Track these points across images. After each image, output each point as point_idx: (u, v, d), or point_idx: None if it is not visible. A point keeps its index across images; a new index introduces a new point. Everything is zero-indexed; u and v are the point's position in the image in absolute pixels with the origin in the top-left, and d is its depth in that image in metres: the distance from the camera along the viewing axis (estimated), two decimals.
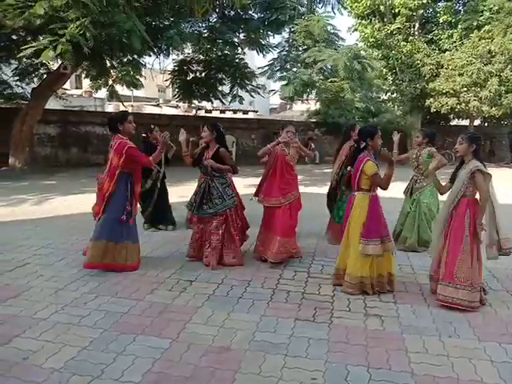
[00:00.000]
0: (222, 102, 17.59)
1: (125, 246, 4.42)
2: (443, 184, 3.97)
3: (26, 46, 9.70)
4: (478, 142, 3.72)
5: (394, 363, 2.78)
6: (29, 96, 13.87)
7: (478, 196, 3.66)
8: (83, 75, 15.83)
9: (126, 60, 12.98)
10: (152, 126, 6.33)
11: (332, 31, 14.40)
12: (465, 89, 16.95)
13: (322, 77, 13.66)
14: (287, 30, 15.07)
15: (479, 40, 17.27)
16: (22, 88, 14.39)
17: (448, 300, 3.58)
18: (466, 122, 21.02)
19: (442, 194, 4.05)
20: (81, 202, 8.47)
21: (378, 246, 3.82)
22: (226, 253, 4.69)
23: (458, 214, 3.67)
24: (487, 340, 3.09)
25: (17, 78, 13.78)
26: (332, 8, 15.12)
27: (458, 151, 3.76)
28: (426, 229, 5.32)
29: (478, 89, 16.85)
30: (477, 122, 21.87)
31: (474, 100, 16.86)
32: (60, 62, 11.81)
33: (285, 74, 14.25)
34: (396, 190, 3.98)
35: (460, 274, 3.55)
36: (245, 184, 9.82)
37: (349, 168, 4.46)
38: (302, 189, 5.04)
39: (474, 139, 3.71)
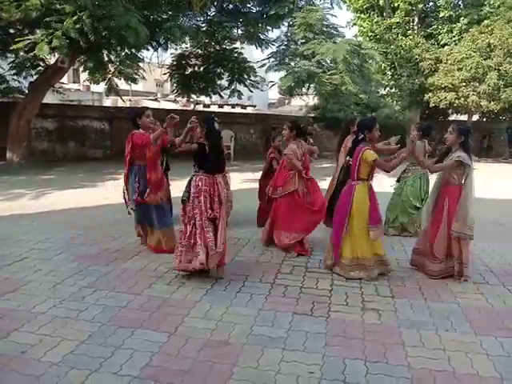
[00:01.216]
0: (220, 96, 17.52)
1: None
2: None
3: (19, 39, 9.63)
4: (466, 135, 4.03)
5: (391, 357, 2.79)
6: (26, 90, 13.79)
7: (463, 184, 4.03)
8: (81, 69, 15.72)
9: (123, 54, 12.89)
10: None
11: (331, 25, 14.32)
12: (463, 83, 16.94)
13: (320, 70, 13.60)
14: (286, 23, 14.99)
15: (479, 34, 17.23)
16: (19, 82, 14.30)
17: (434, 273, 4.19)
18: (464, 117, 21.02)
19: (431, 171, 4.51)
20: (78, 196, 8.46)
21: (382, 229, 4.27)
22: None
23: (440, 202, 4.14)
24: (484, 334, 3.12)
25: (13, 72, 13.68)
26: (331, 2, 14.97)
27: (447, 140, 4.08)
28: (404, 213, 5.81)
29: (477, 83, 16.84)
30: (475, 117, 21.87)
31: (473, 95, 16.85)
32: (57, 56, 11.73)
33: (284, 66, 14.18)
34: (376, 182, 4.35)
35: (438, 250, 4.12)
36: (242, 179, 9.84)
37: (348, 158, 4.61)
38: None
39: (462, 131, 4.04)
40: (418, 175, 5.68)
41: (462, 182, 4.03)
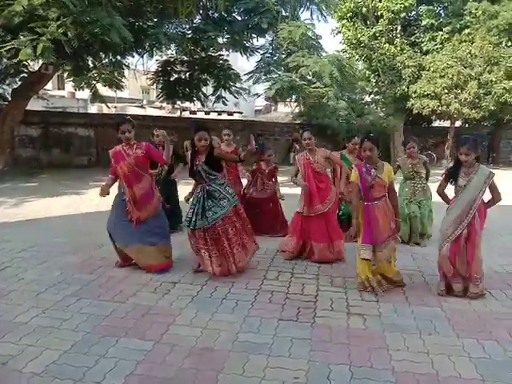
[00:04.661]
0: (202, 104, 17.43)
1: None
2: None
3: (3, 45, 9.51)
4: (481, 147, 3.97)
5: (376, 361, 2.82)
6: (9, 96, 13.61)
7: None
8: (65, 75, 15.58)
9: (108, 61, 12.83)
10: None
11: (313, 36, 14.45)
12: (446, 91, 17.22)
13: (304, 82, 13.73)
14: (271, 32, 15.08)
15: (459, 43, 17.57)
16: (3, 89, 14.11)
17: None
18: (447, 124, 21.37)
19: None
20: (62, 204, 8.36)
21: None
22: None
23: (475, 219, 3.81)
24: (466, 337, 3.16)
25: None
26: (311, 13, 15.04)
27: (466, 161, 3.76)
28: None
29: (459, 91, 17.14)
30: (458, 124, 22.27)
31: (455, 102, 17.13)
32: (41, 63, 11.62)
33: (268, 77, 14.28)
34: None
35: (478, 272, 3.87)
36: None
37: None
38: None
39: (478, 146, 3.84)
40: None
41: None
